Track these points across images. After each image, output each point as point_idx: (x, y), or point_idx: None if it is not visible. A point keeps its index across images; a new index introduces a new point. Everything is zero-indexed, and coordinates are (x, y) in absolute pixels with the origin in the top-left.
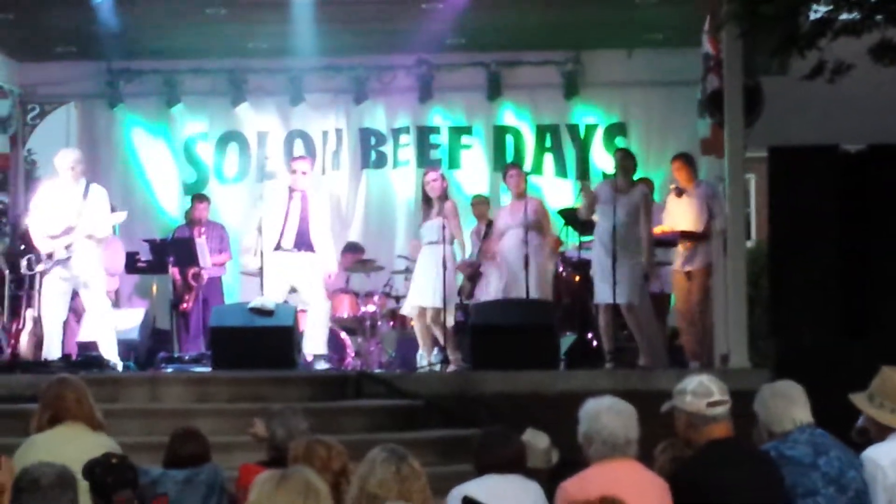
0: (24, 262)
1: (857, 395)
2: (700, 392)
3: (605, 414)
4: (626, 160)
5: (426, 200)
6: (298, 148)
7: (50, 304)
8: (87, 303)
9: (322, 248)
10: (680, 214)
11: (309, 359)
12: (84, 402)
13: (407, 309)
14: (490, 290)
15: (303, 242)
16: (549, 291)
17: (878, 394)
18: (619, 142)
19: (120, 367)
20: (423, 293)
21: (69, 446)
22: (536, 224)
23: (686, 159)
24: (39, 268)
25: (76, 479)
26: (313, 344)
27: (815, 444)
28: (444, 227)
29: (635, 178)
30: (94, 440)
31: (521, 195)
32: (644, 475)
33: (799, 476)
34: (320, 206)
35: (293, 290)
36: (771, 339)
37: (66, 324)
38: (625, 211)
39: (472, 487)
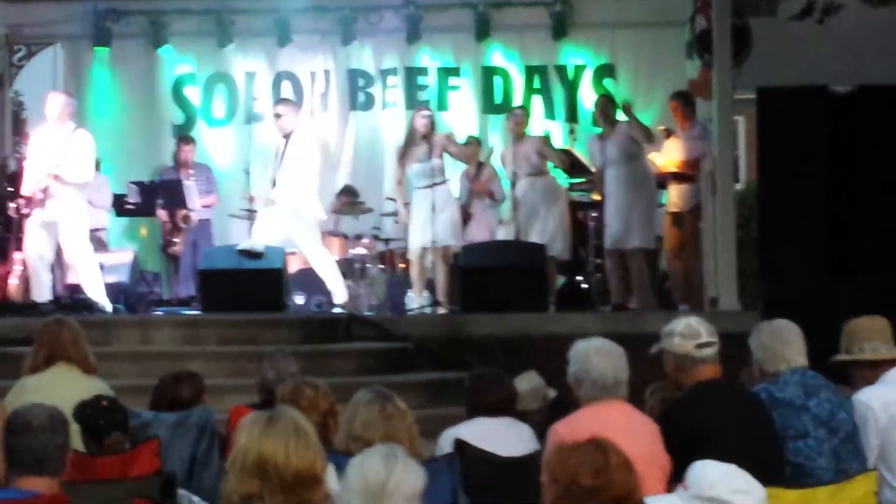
0: (11, 205)
1: (837, 357)
2: (688, 334)
3: (595, 355)
4: (605, 106)
5: (411, 141)
6: (286, 89)
7: (33, 246)
8: (66, 246)
9: (299, 193)
10: (670, 155)
11: (338, 309)
12: (79, 343)
13: (414, 253)
14: (485, 231)
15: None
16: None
17: (850, 343)
18: (608, 83)
19: (110, 309)
20: (426, 233)
21: (62, 388)
22: (542, 163)
23: (683, 99)
24: (23, 211)
25: (68, 421)
26: (337, 292)
27: (805, 386)
28: (433, 169)
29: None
30: (87, 383)
31: (521, 137)
32: (634, 416)
33: (789, 418)
34: (300, 149)
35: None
36: (760, 281)
37: (55, 266)
38: (617, 153)
39: (463, 430)
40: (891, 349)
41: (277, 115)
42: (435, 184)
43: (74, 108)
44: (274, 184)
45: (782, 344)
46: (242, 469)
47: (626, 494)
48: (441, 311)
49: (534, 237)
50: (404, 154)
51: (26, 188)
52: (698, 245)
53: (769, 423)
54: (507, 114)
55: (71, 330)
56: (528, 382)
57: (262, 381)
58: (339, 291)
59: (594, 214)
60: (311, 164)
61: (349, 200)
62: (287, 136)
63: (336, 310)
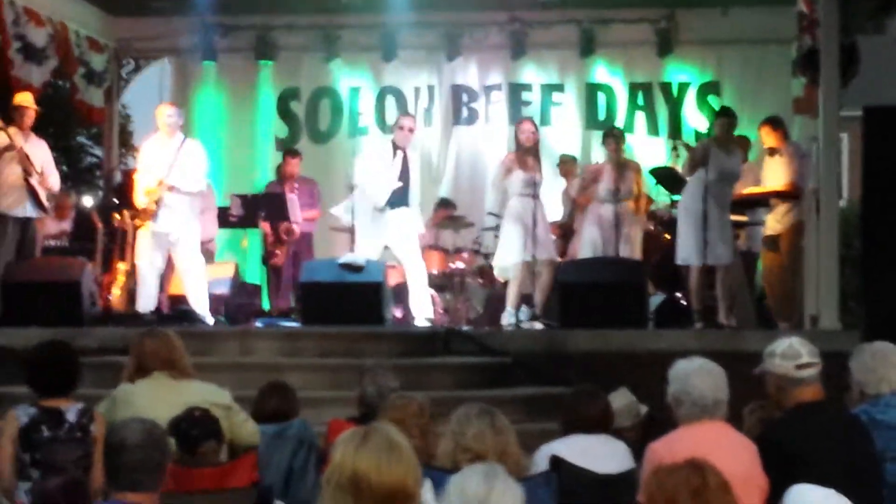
0: (117, 216)
1: None
2: (789, 354)
3: (695, 375)
4: (729, 119)
5: (519, 152)
6: (390, 105)
7: (144, 257)
8: (178, 257)
9: (416, 207)
10: (772, 174)
11: (419, 322)
12: (173, 353)
13: (500, 268)
14: (585, 248)
15: (401, 200)
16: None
17: None
18: (713, 100)
19: (211, 321)
20: (522, 248)
21: (156, 396)
22: (636, 194)
23: (772, 123)
24: (136, 222)
25: (165, 435)
26: (422, 308)
27: None
28: (535, 182)
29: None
30: (183, 387)
31: (621, 162)
32: (732, 437)
33: (890, 440)
34: (416, 164)
35: (386, 248)
36: (861, 301)
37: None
38: (725, 172)
39: (559, 446)
40: None
41: (411, 130)
42: (535, 195)
43: (182, 119)
44: (393, 196)
45: (885, 366)
46: (338, 485)
47: None
48: (538, 325)
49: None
50: (508, 167)
51: (139, 199)
52: (798, 263)
53: (869, 446)
54: (605, 133)
55: (164, 341)
56: (621, 399)
57: (361, 395)
58: (426, 308)
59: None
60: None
61: (449, 214)
62: (405, 151)
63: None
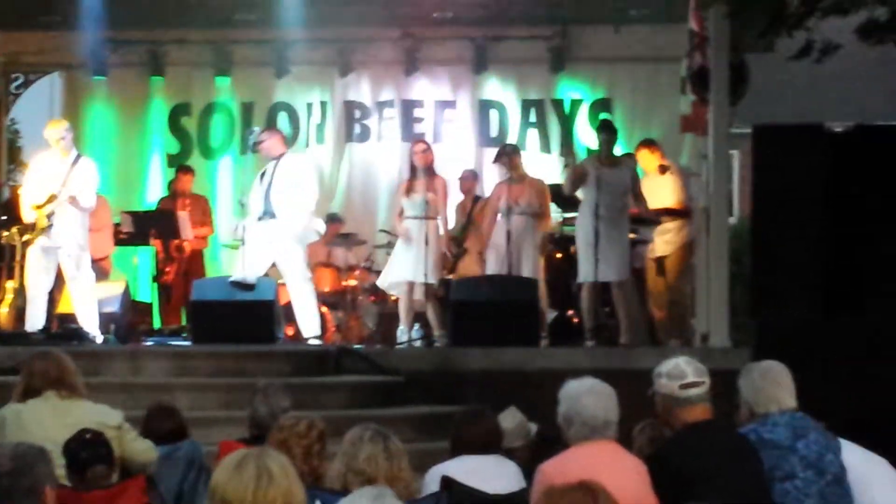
0: (5, 233)
1: None
2: (674, 374)
3: (585, 396)
4: (609, 134)
5: (412, 172)
6: (283, 120)
7: (34, 275)
8: (69, 273)
9: (288, 218)
10: (660, 193)
11: (306, 340)
12: (65, 374)
13: (389, 284)
14: (488, 266)
15: (267, 212)
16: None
17: None
18: (604, 117)
19: (100, 339)
20: (413, 268)
21: (43, 417)
22: (541, 208)
23: (650, 146)
24: (24, 238)
25: (41, 458)
26: (307, 324)
27: (794, 428)
28: (427, 202)
29: (617, 153)
30: (72, 406)
31: (521, 177)
32: (623, 457)
33: (777, 459)
34: (288, 171)
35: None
36: (752, 318)
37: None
38: (611, 187)
39: (449, 467)
40: None
41: (259, 142)
42: (427, 217)
43: (72, 135)
44: (263, 209)
45: (774, 386)
46: None
47: None
48: (437, 344)
49: (525, 273)
50: (406, 187)
51: (29, 215)
52: (687, 281)
53: (758, 465)
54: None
55: (54, 361)
56: (510, 420)
57: (253, 415)
58: (311, 325)
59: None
60: (303, 187)
61: (338, 230)
62: (277, 160)
63: (312, 342)
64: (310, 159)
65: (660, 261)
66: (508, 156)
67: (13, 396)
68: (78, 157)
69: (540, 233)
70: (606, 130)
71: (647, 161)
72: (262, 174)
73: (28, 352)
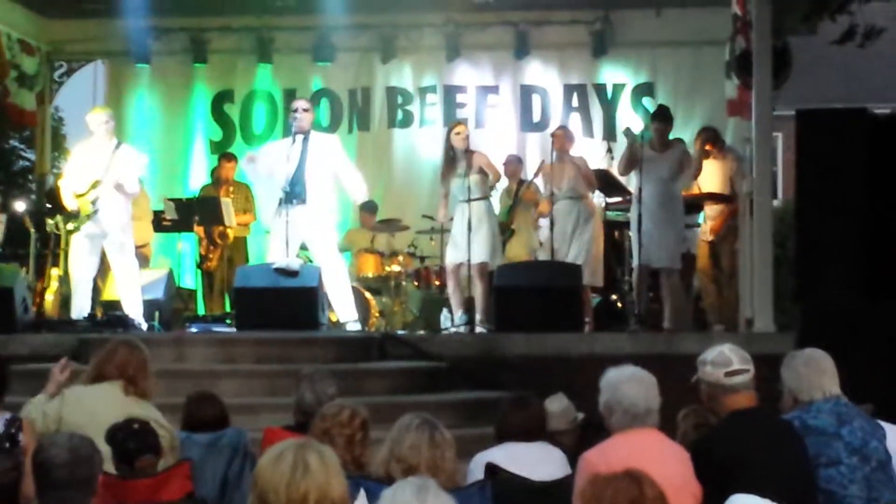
0: (50, 221)
1: None
2: (719, 362)
3: (626, 384)
4: (662, 123)
5: (450, 157)
6: (324, 107)
7: (78, 262)
8: (114, 260)
9: (321, 204)
10: (707, 176)
11: (345, 325)
12: (140, 371)
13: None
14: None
15: (298, 196)
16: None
17: None
18: (647, 102)
19: (144, 326)
20: (463, 250)
21: (102, 406)
22: (588, 187)
23: (707, 134)
24: (68, 226)
25: (94, 450)
26: (343, 309)
27: (838, 414)
28: (471, 184)
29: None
30: (130, 406)
31: (565, 160)
32: (665, 445)
33: (822, 446)
34: (323, 153)
35: (304, 248)
36: (796, 302)
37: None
38: (656, 174)
39: (494, 454)
40: None
41: (305, 110)
42: (471, 199)
43: (114, 123)
44: (294, 191)
45: (817, 373)
46: (253, 496)
47: None
48: (478, 329)
49: (568, 259)
50: (444, 171)
51: (72, 203)
52: (733, 266)
53: (802, 452)
54: (547, 131)
55: (138, 357)
56: (557, 404)
57: (299, 402)
58: (347, 309)
59: (631, 234)
60: (349, 169)
61: (371, 218)
62: (304, 140)
63: (353, 326)
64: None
65: (711, 245)
66: (558, 135)
67: (83, 378)
68: (119, 144)
69: (586, 214)
70: (661, 119)
71: (702, 144)
72: (288, 154)
73: (73, 339)
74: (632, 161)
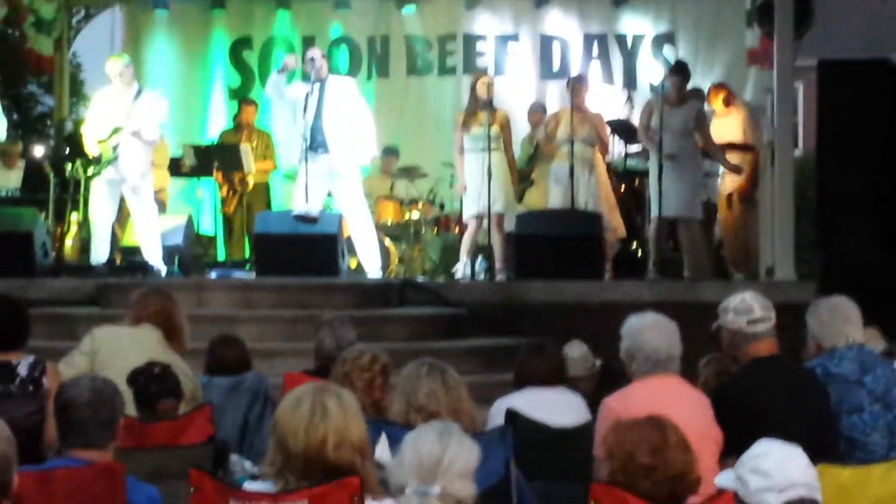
0: (69, 166)
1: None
2: (741, 309)
3: (647, 330)
4: (679, 77)
5: (472, 107)
6: (342, 53)
7: (98, 207)
8: (133, 205)
9: (345, 151)
10: (726, 126)
11: (369, 273)
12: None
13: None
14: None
15: (320, 144)
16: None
17: None
18: (667, 51)
19: (164, 272)
20: (480, 201)
21: (137, 348)
22: (600, 139)
23: (719, 88)
24: (88, 172)
25: (115, 392)
26: (369, 257)
27: (861, 362)
28: (490, 135)
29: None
30: (163, 353)
31: (581, 109)
32: (686, 391)
33: (845, 392)
34: (339, 99)
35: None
36: (816, 252)
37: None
38: (675, 127)
39: (514, 400)
40: None
41: (313, 59)
42: (491, 149)
43: (133, 69)
44: (315, 140)
45: (842, 320)
46: (273, 440)
47: (681, 474)
48: (498, 277)
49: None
50: (465, 120)
51: (94, 149)
52: (754, 215)
53: (824, 400)
54: (566, 80)
55: (176, 315)
56: (576, 350)
57: (318, 347)
58: (372, 259)
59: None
60: (362, 116)
61: (392, 162)
62: (322, 86)
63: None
64: (353, 82)
65: (730, 196)
66: (574, 85)
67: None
68: (139, 90)
69: (601, 163)
70: (678, 73)
71: (714, 101)
72: (305, 103)
73: (92, 284)
74: (643, 124)
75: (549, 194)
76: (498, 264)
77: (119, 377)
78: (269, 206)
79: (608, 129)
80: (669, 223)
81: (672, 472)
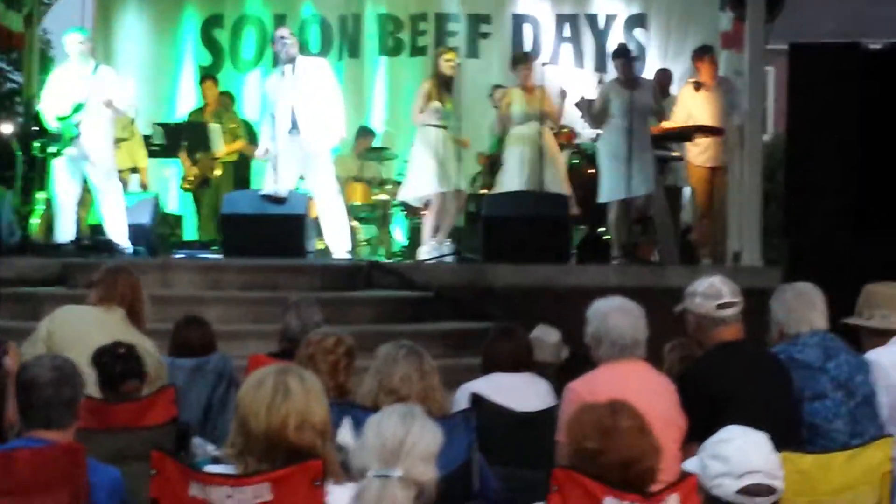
0: (36, 144)
1: (849, 319)
2: (710, 294)
3: (613, 315)
4: (624, 60)
5: (438, 84)
6: (314, 33)
7: (62, 186)
8: (96, 181)
9: (316, 133)
10: (698, 108)
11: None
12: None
13: (416, 196)
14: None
15: (294, 125)
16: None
17: (864, 307)
18: (639, 33)
19: (130, 251)
20: (440, 179)
21: (98, 328)
22: (550, 114)
23: (712, 55)
24: (50, 150)
25: (76, 372)
26: (336, 241)
27: (825, 348)
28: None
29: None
30: (127, 332)
31: (529, 87)
32: (651, 376)
33: (808, 379)
34: (310, 80)
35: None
36: (784, 237)
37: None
38: (626, 108)
39: (479, 385)
40: None
41: (282, 38)
42: (446, 126)
43: (91, 44)
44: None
45: (806, 307)
46: (236, 421)
47: (633, 459)
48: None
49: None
50: (428, 93)
51: (55, 126)
52: (722, 199)
53: (788, 385)
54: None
55: (131, 280)
56: (552, 336)
57: (284, 329)
58: (341, 241)
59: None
60: (331, 97)
61: (368, 143)
62: (292, 67)
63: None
64: (326, 63)
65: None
66: (521, 63)
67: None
68: (97, 65)
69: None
70: (622, 56)
71: (708, 69)
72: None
73: (58, 264)
74: (596, 111)
75: (506, 174)
76: (448, 239)
77: (83, 358)
78: (241, 186)
79: (557, 101)
80: (637, 205)
81: (621, 457)
